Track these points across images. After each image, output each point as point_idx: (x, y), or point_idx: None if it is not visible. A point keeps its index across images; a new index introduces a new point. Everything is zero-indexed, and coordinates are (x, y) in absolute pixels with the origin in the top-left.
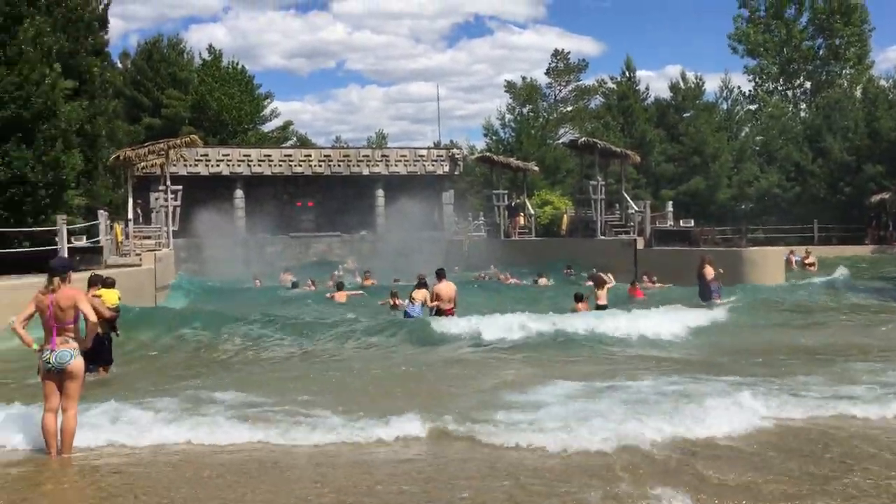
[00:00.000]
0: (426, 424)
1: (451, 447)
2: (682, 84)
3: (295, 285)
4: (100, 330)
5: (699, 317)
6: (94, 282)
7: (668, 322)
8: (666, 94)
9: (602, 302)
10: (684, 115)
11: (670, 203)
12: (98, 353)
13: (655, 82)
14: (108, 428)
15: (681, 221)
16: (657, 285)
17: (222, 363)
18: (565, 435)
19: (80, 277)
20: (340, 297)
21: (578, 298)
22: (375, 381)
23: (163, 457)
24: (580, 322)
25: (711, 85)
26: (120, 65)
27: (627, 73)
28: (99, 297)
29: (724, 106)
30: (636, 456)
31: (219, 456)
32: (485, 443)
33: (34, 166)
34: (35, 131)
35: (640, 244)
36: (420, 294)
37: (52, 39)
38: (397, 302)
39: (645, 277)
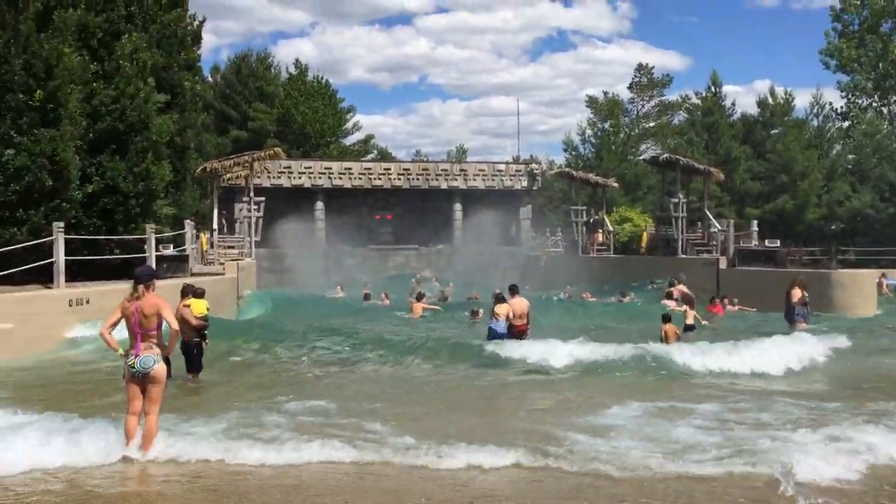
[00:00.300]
0: (505, 448)
1: (532, 472)
2: (770, 100)
3: (367, 297)
4: (184, 337)
5: (792, 345)
6: (186, 292)
7: (760, 351)
8: (753, 109)
9: (690, 321)
10: (772, 131)
11: (755, 222)
12: (188, 361)
13: (743, 98)
14: (189, 438)
15: (766, 241)
16: (737, 308)
17: (296, 376)
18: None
19: (165, 284)
20: (417, 310)
21: (666, 319)
22: (445, 400)
23: (244, 469)
24: (667, 350)
25: (802, 101)
26: (210, 79)
27: (713, 88)
28: (188, 306)
29: (815, 123)
30: (729, 483)
31: (306, 471)
32: (565, 469)
33: (126, 177)
34: (128, 143)
35: (723, 264)
36: (503, 309)
37: (148, 55)
38: (479, 316)
39: (725, 301)
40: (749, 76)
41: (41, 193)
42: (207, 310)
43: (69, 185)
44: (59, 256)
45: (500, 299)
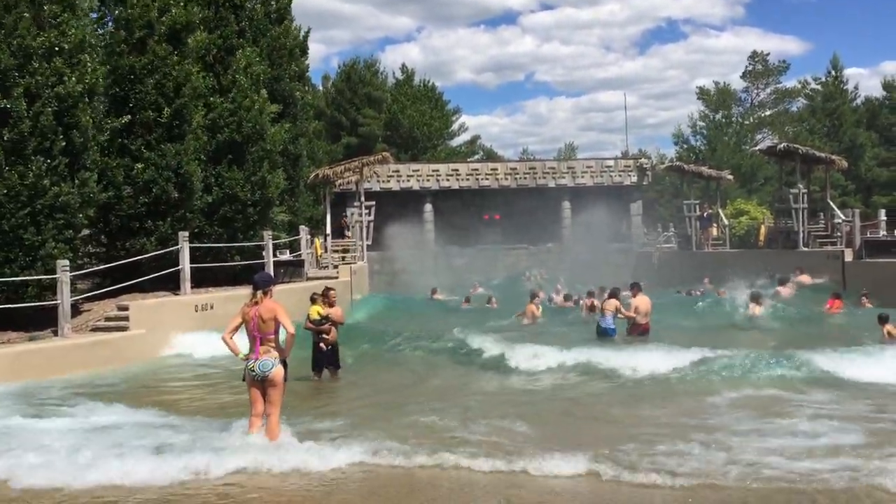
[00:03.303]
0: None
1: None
2: None
3: (467, 300)
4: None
5: None
6: (314, 300)
7: None
8: (878, 92)
9: None
10: None
11: (883, 211)
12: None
13: (867, 80)
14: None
15: None
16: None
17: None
18: None
19: (282, 289)
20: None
21: (884, 320)
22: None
23: (355, 476)
24: None
25: None
26: (321, 87)
27: (834, 73)
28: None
29: None
30: None
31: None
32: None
33: (244, 185)
34: (245, 153)
35: (849, 256)
36: (611, 304)
37: (260, 68)
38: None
39: (864, 299)
40: (875, 58)
41: (167, 204)
42: (318, 314)
43: (193, 195)
44: (185, 264)
45: (612, 294)
